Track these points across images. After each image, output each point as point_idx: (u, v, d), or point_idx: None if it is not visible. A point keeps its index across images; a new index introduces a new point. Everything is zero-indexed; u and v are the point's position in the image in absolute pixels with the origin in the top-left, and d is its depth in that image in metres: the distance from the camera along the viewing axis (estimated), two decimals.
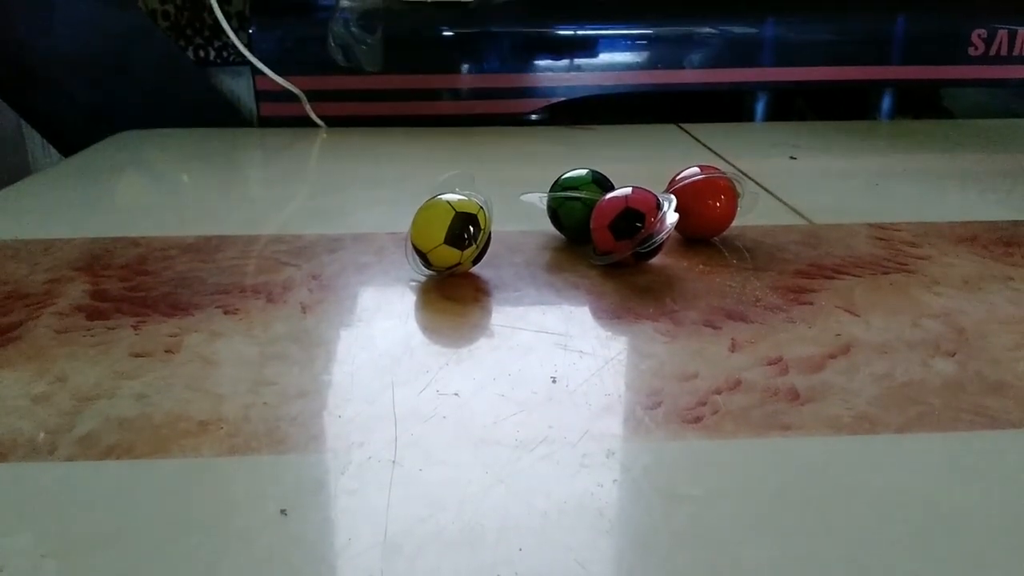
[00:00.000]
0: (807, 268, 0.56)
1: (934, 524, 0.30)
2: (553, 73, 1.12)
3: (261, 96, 1.10)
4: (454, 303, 0.51)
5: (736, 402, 0.39)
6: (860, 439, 0.36)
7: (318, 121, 1.08)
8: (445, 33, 1.10)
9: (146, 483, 0.33)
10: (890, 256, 0.58)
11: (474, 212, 0.52)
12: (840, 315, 0.48)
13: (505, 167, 0.88)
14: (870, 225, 0.66)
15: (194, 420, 0.37)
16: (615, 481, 0.33)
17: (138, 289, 0.52)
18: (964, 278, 0.54)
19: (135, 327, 0.47)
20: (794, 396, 0.39)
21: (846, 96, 1.26)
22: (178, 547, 0.29)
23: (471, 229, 0.52)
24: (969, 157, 0.92)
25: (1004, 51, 1.17)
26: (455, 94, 1.12)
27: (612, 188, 0.58)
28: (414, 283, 0.54)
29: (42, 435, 0.36)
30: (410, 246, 0.53)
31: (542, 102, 1.14)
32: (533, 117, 1.14)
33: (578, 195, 0.59)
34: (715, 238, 0.62)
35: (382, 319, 0.48)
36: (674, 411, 0.38)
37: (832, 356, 0.43)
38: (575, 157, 0.91)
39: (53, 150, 1.23)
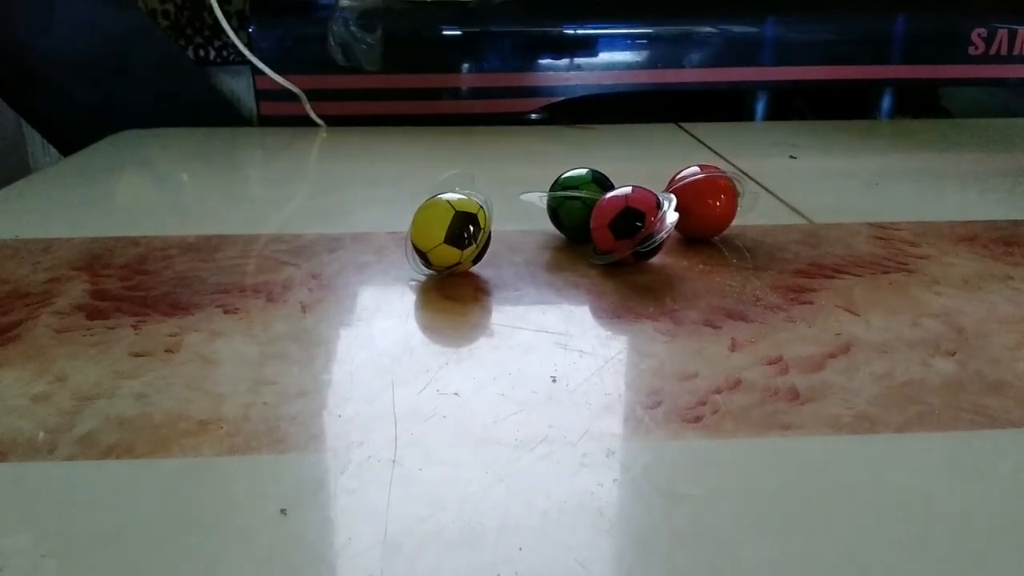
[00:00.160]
0: (807, 268, 0.56)
1: (934, 524, 0.30)
2: (553, 73, 1.12)
3: (261, 95, 1.10)
4: (454, 303, 0.51)
5: (736, 402, 0.39)
6: (860, 439, 0.36)
7: (318, 120, 1.08)
8: (445, 33, 1.10)
9: (146, 483, 0.33)
10: (890, 256, 0.58)
11: (474, 212, 0.52)
12: (840, 315, 0.48)
13: (505, 167, 0.88)
14: (870, 224, 0.66)
15: (194, 420, 0.37)
16: (615, 480, 0.33)
17: (138, 289, 0.52)
18: (964, 278, 0.54)
19: (135, 327, 0.47)
20: (794, 396, 0.39)
21: (846, 96, 1.26)
22: (178, 547, 0.29)
23: (471, 228, 0.52)
24: (968, 157, 0.92)
25: (1004, 51, 1.17)
26: (455, 93, 1.12)
27: (612, 187, 0.58)
28: (414, 283, 0.54)
29: (42, 435, 0.36)
30: (410, 245, 0.53)
31: (542, 102, 1.14)
32: (533, 117, 1.14)
33: (578, 194, 0.59)
34: (715, 238, 0.62)
35: (382, 318, 0.48)
36: (674, 411, 0.38)
37: (832, 356, 0.43)
38: (575, 157, 0.91)
39: (53, 150, 1.23)
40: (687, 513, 0.31)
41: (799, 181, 0.81)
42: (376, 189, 0.78)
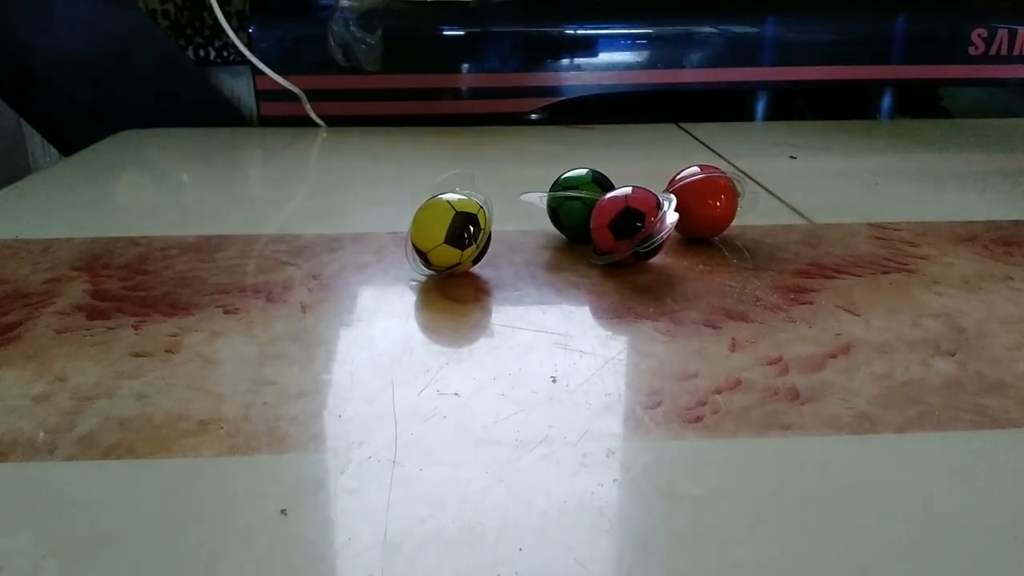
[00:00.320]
0: (807, 268, 0.56)
1: (934, 524, 0.30)
2: (553, 73, 1.12)
3: (261, 95, 1.10)
4: (454, 303, 0.51)
5: (736, 402, 0.39)
6: (860, 439, 0.36)
7: (318, 121, 1.08)
8: (445, 33, 1.10)
9: (146, 483, 0.33)
10: (890, 256, 0.58)
11: (474, 212, 0.52)
12: (840, 315, 0.49)
13: (505, 167, 0.88)
14: (870, 225, 0.66)
15: (194, 420, 0.37)
16: (615, 481, 0.33)
17: (138, 289, 0.52)
18: (964, 278, 0.54)
19: (135, 327, 0.47)
20: (794, 396, 0.39)
21: (846, 96, 1.26)
22: (178, 547, 0.29)
23: (471, 229, 0.52)
24: (968, 157, 0.92)
25: (1004, 51, 1.17)
26: (455, 94, 1.12)
27: (612, 188, 0.58)
28: (414, 283, 0.54)
29: (42, 435, 0.36)
30: (410, 246, 0.53)
31: (542, 102, 1.14)
32: (533, 117, 1.14)
33: (578, 195, 0.59)
34: (715, 238, 0.62)
35: (382, 319, 0.48)
36: (674, 411, 0.38)
37: (832, 356, 0.43)
38: (575, 157, 0.91)
39: (53, 150, 1.23)
40: (687, 513, 0.31)
41: (799, 181, 0.81)
42: (376, 189, 0.78)
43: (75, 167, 0.88)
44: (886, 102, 1.21)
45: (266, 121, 1.11)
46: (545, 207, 0.62)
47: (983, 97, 1.30)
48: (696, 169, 0.61)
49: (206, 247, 0.60)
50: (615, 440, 0.36)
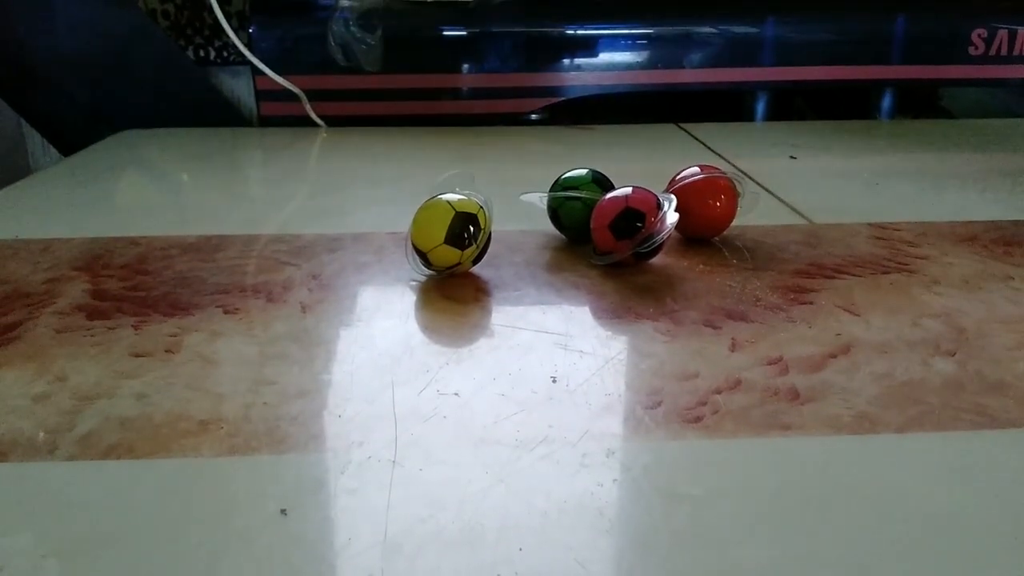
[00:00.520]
0: (807, 268, 0.56)
1: (934, 524, 0.30)
2: (553, 73, 1.12)
3: (261, 96, 1.10)
4: (454, 303, 0.51)
5: (736, 402, 0.39)
6: (860, 439, 0.36)
7: (318, 121, 1.08)
8: (445, 33, 1.10)
9: (146, 483, 0.33)
10: (890, 256, 0.58)
11: (474, 212, 0.52)
12: (840, 315, 0.49)
13: (505, 167, 0.88)
14: (870, 225, 0.66)
15: (194, 420, 0.37)
16: (615, 481, 0.33)
17: (138, 289, 0.52)
18: (964, 278, 0.54)
19: (135, 327, 0.47)
20: (794, 396, 0.39)
21: (846, 96, 1.26)
22: (178, 547, 0.29)
23: (471, 229, 0.52)
24: (968, 157, 0.92)
25: (1004, 51, 1.17)
26: (455, 94, 1.12)
27: (612, 188, 0.58)
28: (414, 283, 0.54)
29: (42, 435, 0.36)
30: (410, 246, 0.53)
31: (542, 102, 1.14)
32: (533, 117, 1.14)
33: (578, 195, 0.59)
34: (715, 238, 0.62)
35: (382, 319, 0.48)
36: (674, 411, 0.38)
37: (832, 356, 0.43)
38: (575, 157, 0.91)
39: (53, 150, 1.23)
40: (687, 513, 0.31)
41: (799, 181, 0.81)
42: (376, 189, 0.78)
43: (75, 167, 0.88)
44: (886, 102, 1.21)
45: (266, 121, 1.11)
46: (545, 207, 0.62)
47: (983, 97, 1.30)
48: (696, 169, 0.61)
49: (206, 247, 0.60)
50: (615, 440, 0.36)
